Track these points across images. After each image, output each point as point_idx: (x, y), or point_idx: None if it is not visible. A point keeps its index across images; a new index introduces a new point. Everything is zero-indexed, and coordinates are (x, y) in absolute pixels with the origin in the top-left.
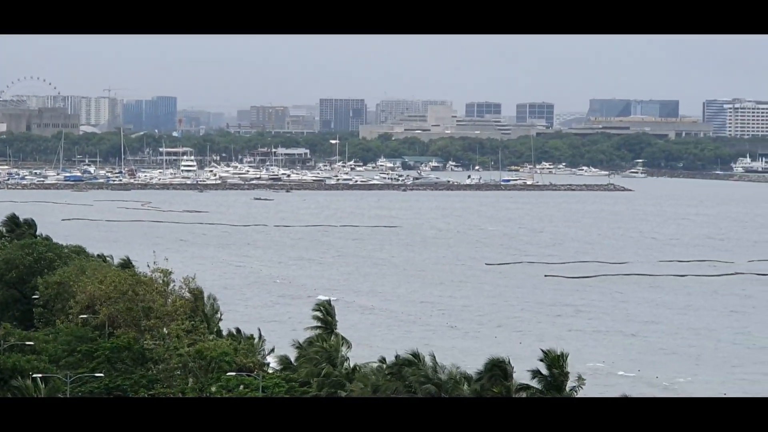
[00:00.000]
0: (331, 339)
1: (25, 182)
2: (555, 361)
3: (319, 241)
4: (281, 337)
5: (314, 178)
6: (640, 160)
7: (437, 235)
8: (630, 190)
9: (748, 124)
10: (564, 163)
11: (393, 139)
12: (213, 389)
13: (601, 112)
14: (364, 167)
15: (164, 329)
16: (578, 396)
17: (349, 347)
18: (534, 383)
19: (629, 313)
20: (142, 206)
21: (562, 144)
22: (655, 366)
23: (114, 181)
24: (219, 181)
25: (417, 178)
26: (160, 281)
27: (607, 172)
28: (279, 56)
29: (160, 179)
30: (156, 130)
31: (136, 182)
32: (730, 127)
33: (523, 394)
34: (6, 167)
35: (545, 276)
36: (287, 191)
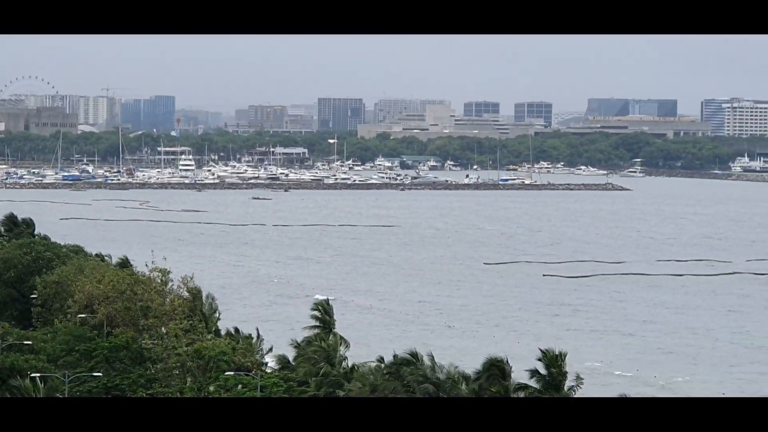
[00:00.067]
0: (329, 338)
1: (23, 181)
2: (553, 361)
3: (317, 241)
4: (279, 336)
5: (312, 178)
6: (639, 160)
7: (435, 235)
8: (628, 189)
9: (747, 123)
10: (562, 163)
11: (391, 138)
12: (211, 389)
13: (599, 112)
14: (362, 167)
15: (162, 329)
16: (576, 396)
17: (347, 347)
18: (532, 383)
19: (627, 313)
20: (141, 206)
21: (561, 143)
22: (653, 365)
23: (112, 180)
24: (217, 181)
25: (415, 178)
26: (159, 281)
27: (605, 172)
28: (277, 56)
29: (158, 178)
30: (154, 130)
31: (135, 181)
32: (728, 126)
33: (521, 394)
34: (4, 166)
35: (543, 275)
36: (285, 190)
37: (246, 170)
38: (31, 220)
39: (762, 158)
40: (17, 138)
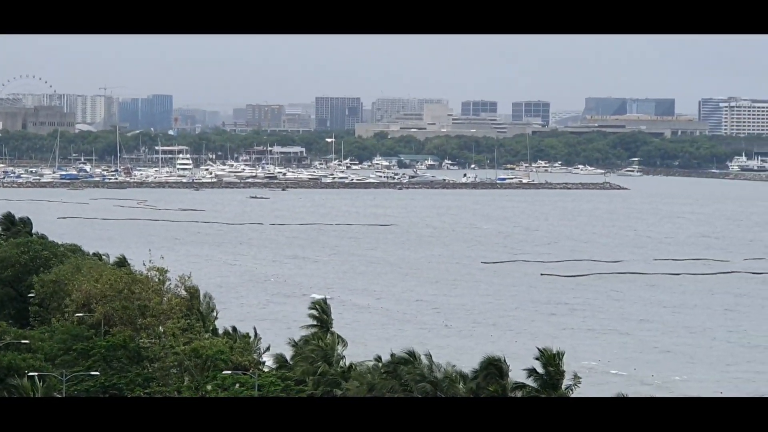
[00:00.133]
0: (326, 337)
1: (20, 180)
2: (551, 360)
3: (315, 240)
4: (277, 335)
5: (310, 177)
6: (636, 159)
7: (433, 234)
8: (626, 188)
9: (744, 122)
10: (560, 162)
11: (389, 137)
12: (209, 388)
13: (597, 111)
14: (359, 166)
15: (160, 328)
16: (574, 396)
17: (344, 346)
18: (530, 382)
19: (624, 312)
20: (138, 205)
21: (558, 142)
22: (650, 364)
23: (110, 179)
24: (215, 180)
25: (413, 177)
26: (156, 280)
27: (602, 171)
28: (275, 55)
29: (155, 177)
30: (152, 129)
31: (132, 181)
32: (725, 125)
33: (519, 393)
34: (2, 165)
35: (541, 275)
36: (283, 190)
37: (243, 169)
38: (28, 219)
39: (759, 157)
40: (15, 137)
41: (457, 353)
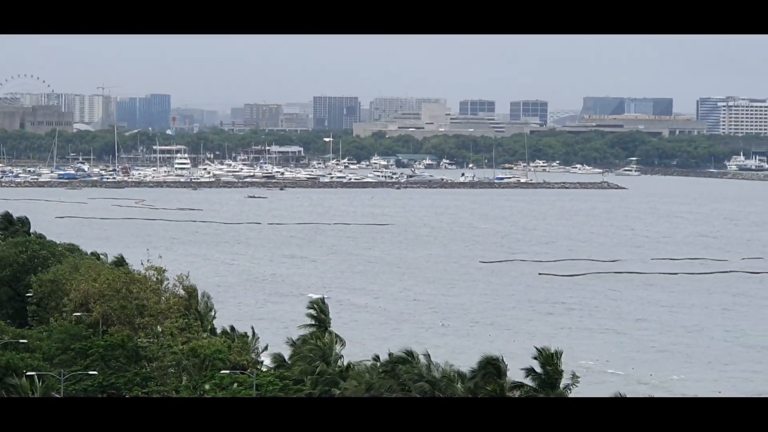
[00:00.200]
0: (324, 337)
1: (18, 180)
2: (549, 359)
3: (313, 239)
4: (274, 334)
5: (308, 176)
6: (634, 158)
7: (431, 233)
8: (624, 188)
9: (742, 122)
10: (558, 161)
11: (387, 137)
12: (207, 387)
13: (594, 110)
14: (357, 165)
15: (158, 327)
16: (572, 396)
17: (343, 345)
18: (528, 381)
19: (622, 311)
20: (136, 204)
21: (556, 142)
22: (648, 364)
23: (108, 178)
24: (213, 179)
25: (411, 176)
26: (154, 279)
27: (600, 170)
28: (273, 55)
29: (153, 177)
30: (150, 128)
31: (130, 180)
32: (723, 125)
33: (517, 392)
34: (0, 165)
35: (539, 274)
36: (281, 189)
37: (241, 169)
38: (26, 218)
39: (757, 157)
40: (12, 136)
41: (455, 353)
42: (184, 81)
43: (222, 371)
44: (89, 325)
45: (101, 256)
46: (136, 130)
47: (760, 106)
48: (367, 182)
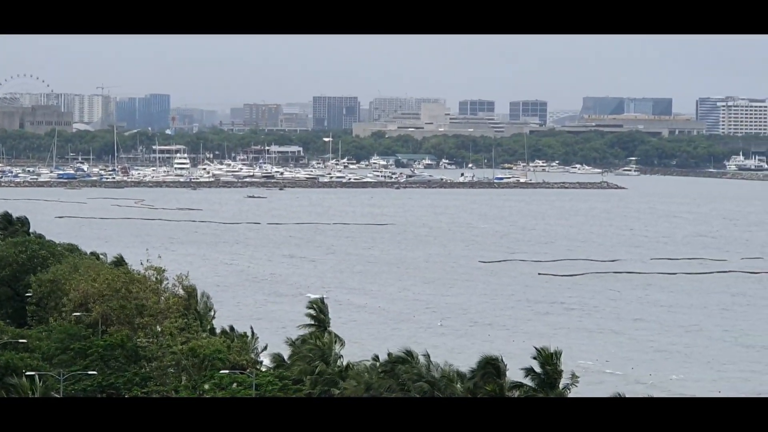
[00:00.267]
0: (324, 337)
1: (18, 180)
2: (548, 359)
3: (312, 239)
4: (273, 334)
5: (307, 176)
6: (634, 158)
7: (430, 233)
8: (623, 188)
9: (741, 122)
10: (557, 161)
11: (386, 136)
12: (206, 387)
13: (594, 110)
14: (357, 165)
15: (157, 327)
16: (571, 396)
17: (342, 345)
18: (527, 381)
19: (621, 311)
20: (136, 204)
21: (556, 142)
22: (647, 364)
23: (107, 178)
24: (212, 179)
25: (410, 176)
26: (153, 279)
27: (600, 170)
28: (272, 55)
29: (153, 177)
30: (149, 128)
31: (130, 180)
32: (723, 125)
33: (516, 392)
34: None
35: (539, 274)
36: (280, 189)
37: (241, 168)
38: (26, 218)
39: (757, 156)
40: (12, 136)
41: (454, 353)
42: (184, 81)
43: (221, 371)
44: (88, 325)
45: (101, 256)
46: (135, 130)
47: (760, 106)
48: (367, 182)
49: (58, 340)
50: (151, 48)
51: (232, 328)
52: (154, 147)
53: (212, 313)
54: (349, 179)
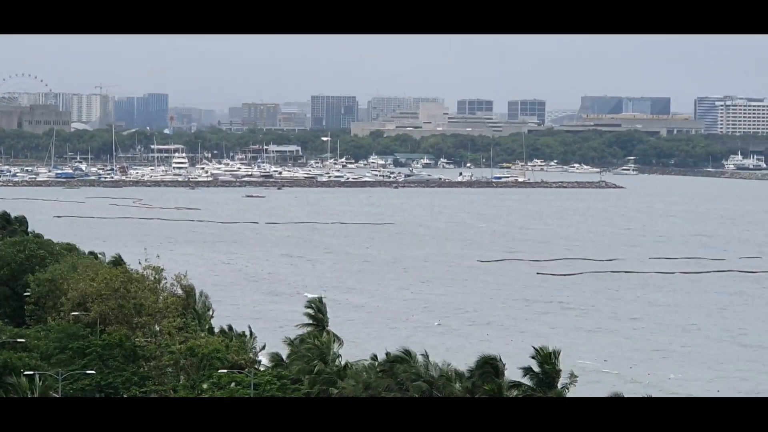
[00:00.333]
0: (322, 336)
1: (16, 179)
2: (547, 358)
3: (310, 239)
4: (272, 333)
5: (306, 175)
6: (632, 158)
7: (428, 233)
8: (621, 187)
9: (740, 121)
10: (555, 161)
11: (385, 136)
12: (204, 386)
13: (592, 110)
14: (355, 164)
15: (156, 326)
16: (570, 396)
17: (340, 344)
18: (526, 380)
19: (619, 311)
20: (134, 203)
21: (554, 141)
22: (645, 363)
23: (105, 178)
24: (210, 179)
25: (408, 176)
26: (152, 278)
27: (598, 170)
28: (271, 54)
29: (151, 176)
30: (147, 128)
31: (128, 179)
32: (721, 124)
33: (515, 392)
34: None
35: (537, 273)
36: (279, 188)
37: (239, 168)
38: (24, 217)
39: (755, 156)
40: (10, 136)
41: (452, 352)
42: (182, 80)
43: (220, 371)
44: (87, 325)
45: (99, 256)
46: (133, 130)
47: (758, 106)
48: (365, 181)
49: (57, 339)
50: (149, 48)
51: (230, 328)
52: (152, 146)
53: (210, 313)
54: (348, 179)
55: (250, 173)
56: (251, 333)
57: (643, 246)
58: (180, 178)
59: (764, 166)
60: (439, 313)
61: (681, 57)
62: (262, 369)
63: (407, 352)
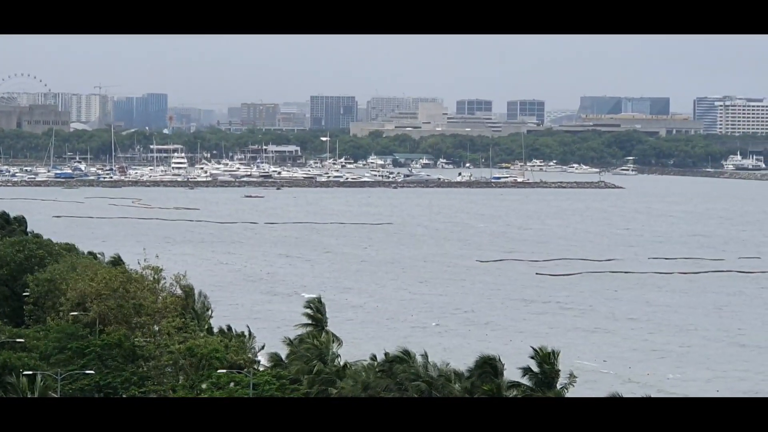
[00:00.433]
0: (321, 336)
1: (15, 179)
2: (546, 359)
3: (309, 239)
4: (271, 333)
5: (305, 176)
6: (631, 158)
7: (427, 233)
8: (620, 187)
9: (739, 121)
10: (555, 161)
11: (384, 136)
12: (204, 386)
13: (591, 110)
14: (354, 164)
15: (155, 326)
16: (569, 396)
17: (339, 344)
18: (525, 380)
19: (618, 311)
20: (133, 203)
21: (553, 141)
22: (644, 363)
23: (105, 178)
24: (210, 179)
25: (408, 176)
26: (151, 278)
27: (597, 170)
28: (270, 54)
29: (150, 176)
30: (147, 128)
31: (127, 179)
32: (720, 124)
33: (514, 392)
34: None
35: (536, 274)
36: (278, 188)
37: (238, 168)
38: (23, 217)
39: (754, 156)
40: (9, 136)
41: (451, 352)
42: (181, 80)
43: (219, 371)
44: (86, 325)
45: (98, 256)
46: (133, 130)
47: (757, 106)
48: (364, 182)
49: (56, 339)
50: (148, 47)
51: (229, 328)
52: (151, 146)
53: (209, 313)
54: (347, 179)
55: (249, 173)
56: (250, 333)
57: (641, 246)
58: (179, 178)
59: (763, 166)
60: (437, 313)
61: (680, 57)
62: (261, 369)
63: (406, 352)
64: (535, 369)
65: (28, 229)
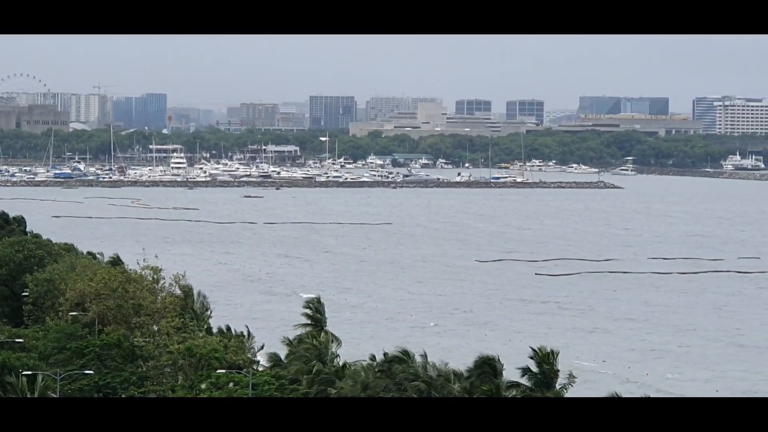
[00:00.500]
0: (320, 336)
1: (14, 179)
2: (545, 359)
3: (308, 239)
4: (270, 333)
5: (304, 176)
6: (630, 158)
7: (426, 233)
8: (620, 187)
9: (738, 121)
10: (554, 161)
11: (383, 136)
12: (203, 386)
13: (591, 110)
14: (354, 164)
15: (154, 326)
16: (568, 396)
17: (339, 344)
18: (524, 381)
19: (617, 311)
20: (132, 203)
21: (552, 141)
22: (643, 363)
23: (104, 178)
24: (209, 179)
25: (407, 176)
26: (150, 278)
27: (596, 170)
28: (269, 54)
29: (150, 176)
30: (146, 128)
31: (126, 179)
32: (720, 124)
33: (513, 392)
34: None
35: (536, 274)
36: (277, 188)
37: (238, 168)
38: (22, 218)
39: (753, 156)
40: (9, 136)
41: (451, 352)
42: (181, 80)
43: (218, 371)
44: (85, 325)
45: (97, 256)
46: (132, 130)
47: (756, 106)
48: (364, 182)
49: (55, 339)
50: (147, 47)
51: (228, 328)
52: (150, 146)
53: (209, 313)
54: (346, 179)
55: (248, 173)
56: (249, 333)
57: (640, 246)
58: (178, 178)
59: (762, 166)
60: (436, 313)
61: (679, 57)
62: (260, 369)
63: (405, 353)
64: (534, 369)
65: (28, 229)
